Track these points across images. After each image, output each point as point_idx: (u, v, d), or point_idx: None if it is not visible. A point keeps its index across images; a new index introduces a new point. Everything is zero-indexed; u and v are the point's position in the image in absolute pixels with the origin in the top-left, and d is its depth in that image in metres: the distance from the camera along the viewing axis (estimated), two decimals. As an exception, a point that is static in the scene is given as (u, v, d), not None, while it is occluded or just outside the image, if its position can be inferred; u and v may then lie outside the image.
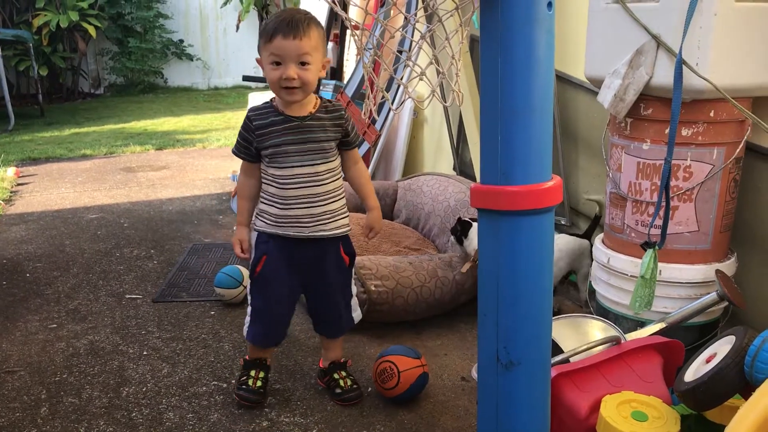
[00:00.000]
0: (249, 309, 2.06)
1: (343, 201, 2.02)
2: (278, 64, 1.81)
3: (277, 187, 1.93)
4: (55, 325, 2.62)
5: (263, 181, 1.97)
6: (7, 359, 2.36)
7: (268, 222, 1.97)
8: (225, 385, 2.18)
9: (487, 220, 1.25)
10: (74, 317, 2.70)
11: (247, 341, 2.12)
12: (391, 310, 2.45)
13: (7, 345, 2.46)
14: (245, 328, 2.07)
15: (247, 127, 1.93)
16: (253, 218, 2.03)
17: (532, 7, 1.11)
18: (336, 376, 2.11)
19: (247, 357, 2.14)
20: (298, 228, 1.94)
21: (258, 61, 1.91)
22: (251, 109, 1.95)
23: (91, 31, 8.84)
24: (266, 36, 1.81)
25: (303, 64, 1.81)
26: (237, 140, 1.96)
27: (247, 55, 10.45)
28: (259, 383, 2.07)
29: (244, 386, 2.06)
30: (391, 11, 3.24)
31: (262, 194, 2.00)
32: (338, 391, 2.09)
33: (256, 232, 2.01)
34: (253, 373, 2.08)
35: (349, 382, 2.10)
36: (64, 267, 3.25)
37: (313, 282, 2.04)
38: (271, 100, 1.96)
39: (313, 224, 1.95)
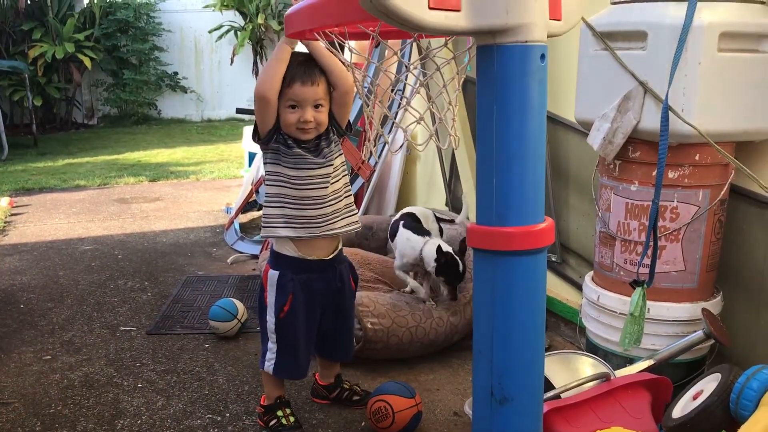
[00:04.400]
0: (273, 346, 2.05)
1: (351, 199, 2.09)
2: (294, 107, 1.91)
3: (291, 188, 1.97)
4: (49, 357, 2.63)
5: (278, 184, 1.99)
6: (2, 391, 2.37)
7: (282, 225, 2.00)
8: (219, 419, 2.19)
9: (482, 260, 1.30)
10: (68, 349, 2.71)
11: (270, 377, 2.10)
12: (385, 348, 2.47)
13: (1, 376, 2.47)
14: (269, 366, 2.06)
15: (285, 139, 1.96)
16: (268, 235, 2.04)
17: (527, 60, 1.18)
18: (346, 386, 2.29)
19: (263, 403, 2.14)
20: (309, 229, 1.99)
21: None
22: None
23: (87, 62, 8.94)
24: (284, 81, 1.90)
25: (317, 106, 1.93)
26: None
27: (241, 88, 10.56)
28: (292, 419, 2.10)
29: (280, 428, 2.08)
30: (386, 53, 3.33)
31: (274, 198, 2.01)
32: (356, 398, 2.27)
33: (277, 272, 2.03)
34: (280, 413, 2.11)
35: (358, 389, 2.30)
36: (58, 298, 3.26)
37: (331, 311, 2.12)
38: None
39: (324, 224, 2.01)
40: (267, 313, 2.05)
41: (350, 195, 2.09)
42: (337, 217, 2.03)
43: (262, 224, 2.04)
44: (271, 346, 2.06)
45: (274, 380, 2.12)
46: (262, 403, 2.15)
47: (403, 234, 2.67)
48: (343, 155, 2.07)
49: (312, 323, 2.09)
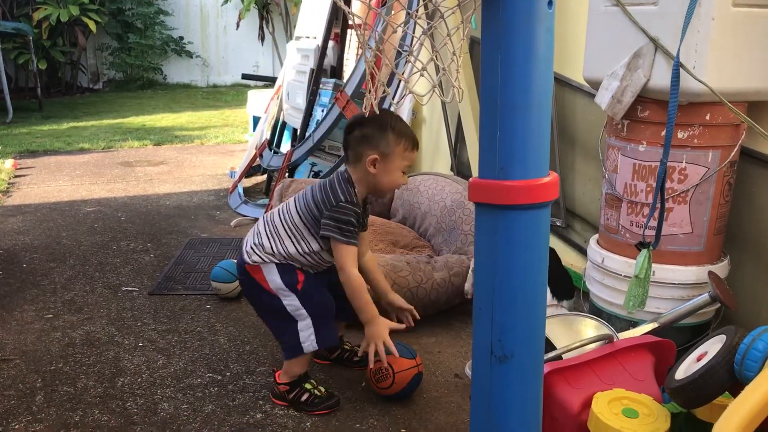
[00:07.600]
0: (307, 321, 2.00)
1: None
2: (405, 172, 2.00)
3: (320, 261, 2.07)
4: (51, 315, 2.63)
5: (308, 255, 2.03)
6: (3, 348, 2.37)
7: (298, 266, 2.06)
8: (219, 378, 2.19)
9: (484, 214, 1.26)
10: (70, 308, 2.71)
11: (301, 357, 2.04)
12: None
13: (2, 333, 2.47)
14: (310, 343, 2.00)
15: (358, 215, 1.99)
16: (278, 259, 2.04)
17: (533, 5, 1.13)
18: (347, 347, 2.31)
19: (280, 381, 2.06)
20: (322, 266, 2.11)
21: (373, 158, 1.95)
22: (354, 203, 1.97)
23: (92, 26, 8.85)
24: (407, 144, 1.97)
25: None
26: (352, 230, 1.96)
27: (247, 53, 10.46)
28: (322, 389, 2.06)
29: (317, 399, 2.03)
30: (393, 7, 3.26)
31: (301, 254, 2.03)
32: (357, 359, 2.27)
33: (275, 264, 2.03)
34: (308, 385, 2.05)
35: (359, 350, 2.21)
36: (60, 258, 3.26)
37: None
38: (352, 190, 1.99)
39: None
40: (282, 297, 2.01)
41: None
42: None
43: (283, 259, 2.03)
44: (303, 324, 2.01)
45: (304, 357, 2.05)
46: (278, 381, 2.07)
47: None
48: None
49: (327, 289, 2.08)
